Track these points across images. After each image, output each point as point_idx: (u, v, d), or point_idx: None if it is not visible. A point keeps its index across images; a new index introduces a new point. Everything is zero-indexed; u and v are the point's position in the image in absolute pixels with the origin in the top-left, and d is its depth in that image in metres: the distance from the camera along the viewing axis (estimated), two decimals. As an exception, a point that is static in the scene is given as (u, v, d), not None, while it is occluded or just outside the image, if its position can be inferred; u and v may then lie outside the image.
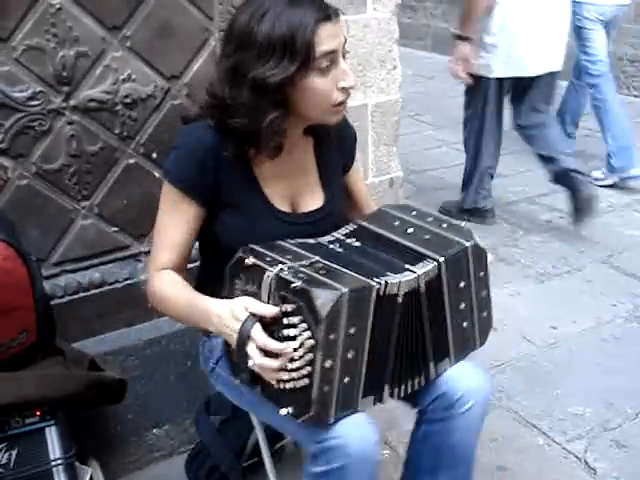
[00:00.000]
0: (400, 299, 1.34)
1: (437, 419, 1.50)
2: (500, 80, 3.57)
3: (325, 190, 1.60)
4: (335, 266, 1.33)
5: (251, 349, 1.27)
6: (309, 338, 1.23)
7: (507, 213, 3.98)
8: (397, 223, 1.51)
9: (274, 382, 1.29)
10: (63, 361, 1.74)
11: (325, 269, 1.31)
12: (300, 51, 1.35)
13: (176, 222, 1.49)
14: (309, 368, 1.25)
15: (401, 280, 1.33)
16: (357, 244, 1.47)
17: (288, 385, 1.27)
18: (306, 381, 1.26)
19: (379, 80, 2.46)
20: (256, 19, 1.36)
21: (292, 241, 1.44)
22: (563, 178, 3.67)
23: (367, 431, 1.35)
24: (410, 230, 1.48)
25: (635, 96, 6.33)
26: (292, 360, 1.25)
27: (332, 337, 1.23)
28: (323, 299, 1.22)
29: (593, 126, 4.76)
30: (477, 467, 1.84)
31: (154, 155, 2.03)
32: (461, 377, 1.48)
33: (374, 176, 2.53)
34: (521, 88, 3.65)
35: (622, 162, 4.26)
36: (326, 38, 1.37)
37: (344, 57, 1.44)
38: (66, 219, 1.95)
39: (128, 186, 2.01)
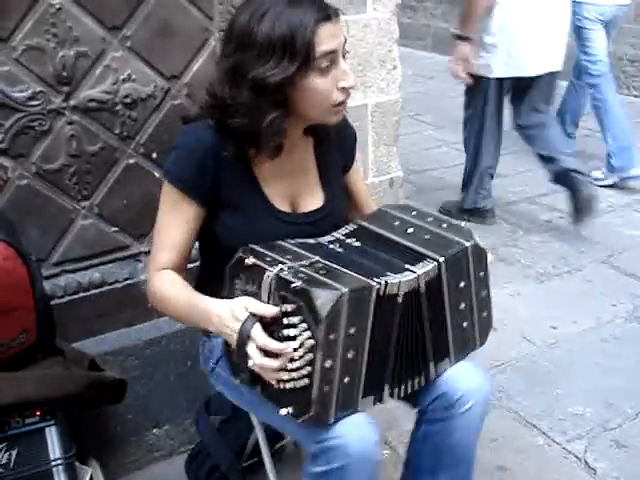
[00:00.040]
0: (400, 299, 1.34)
1: (437, 419, 1.50)
2: (500, 80, 3.57)
3: (325, 190, 1.60)
4: (335, 266, 1.33)
5: (251, 349, 1.27)
6: (309, 338, 1.23)
7: (507, 213, 3.98)
8: (397, 223, 1.51)
9: (274, 382, 1.29)
10: (63, 361, 1.74)
11: (325, 269, 1.30)
12: (300, 51, 1.34)
13: (176, 222, 1.49)
14: (309, 368, 1.24)
15: (401, 280, 1.33)
16: (357, 244, 1.47)
17: (288, 385, 1.27)
18: (306, 381, 1.25)
19: (379, 80, 2.46)
20: (256, 19, 1.36)
21: (292, 241, 1.44)
22: (563, 178, 3.67)
23: (367, 431, 1.35)
24: (410, 230, 1.48)
25: (635, 96, 6.33)
26: (292, 360, 1.24)
27: (332, 337, 1.23)
28: (323, 299, 1.21)
29: (593, 126, 4.76)
30: (477, 467, 1.84)
31: (154, 155, 2.03)
32: (461, 377, 1.48)
33: (374, 176, 2.53)
34: (521, 88, 3.66)
35: (622, 162, 4.26)
36: (326, 38, 1.37)
37: (344, 57, 1.44)
38: (66, 219, 1.95)
39: (128, 186, 2.01)
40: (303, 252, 1.38)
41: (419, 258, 1.39)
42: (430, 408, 1.51)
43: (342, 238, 1.49)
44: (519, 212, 4.00)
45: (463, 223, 1.53)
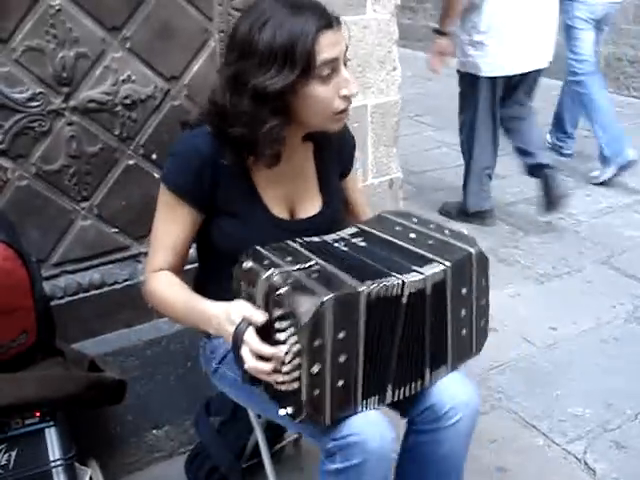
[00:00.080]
0: (405, 299, 1.33)
1: (425, 430, 1.49)
2: (492, 79, 3.57)
3: (323, 196, 1.61)
4: (332, 269, 1.33)
5: (244, 352, 1.28)
6: (296, 343, 1.24)
7: (506, 214, 3.98)
8: (399, 228, 1.51)
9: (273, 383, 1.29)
10: (63, 362, 1.74)
11: (319, 272, 1.31)
12: (301, 59, 1.35)
13: (172, 225, 1.50)
14: (297, 373, 1.25)
15: (408, 280, 1.32)
16: (363, 244, 1.47)
17: (282, 387, 1.28)
18: (295, 385, 1.26)
19: (379, 81, 2.46)
20: (257, 27, 1.36)
21: (300, 240, 1.45)
22: (537, 172, 3.75)
23: (384, 428, 1.36)
24: (412, 235, 1.47)
25: (635, 97, 6.33)
26: (283, 363, 1.25)
27: (317, 343, 1.24)
28: (305, 306, 1.22)
29: (593, 127, 4.76)
30: (477, 468, 1.85)
31: (154, 156, 2.03)
32: (450, 389, 1.47)
33: (373, 177, 2.53)
34: (511, 86, 3.67)
35: (614, 150, 4.26)
36: (327, 46, 1.37)
37: (345, 65, 1.44)
38: (66, 220, 1.95)
39: (128, 187, 2.01)
40: (306, 253, 1.39)
41: (426, 261, 1.39)
42: (419, 419, 1.50)
43: (347, 237, 1.49)
44: (518, 213, 4.00)
45: (466, 231, 1.52)
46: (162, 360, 2.09)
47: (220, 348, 1.58)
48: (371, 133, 2.49)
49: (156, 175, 2.02)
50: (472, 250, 1.42)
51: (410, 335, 1.37)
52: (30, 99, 1.81)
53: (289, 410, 1.29)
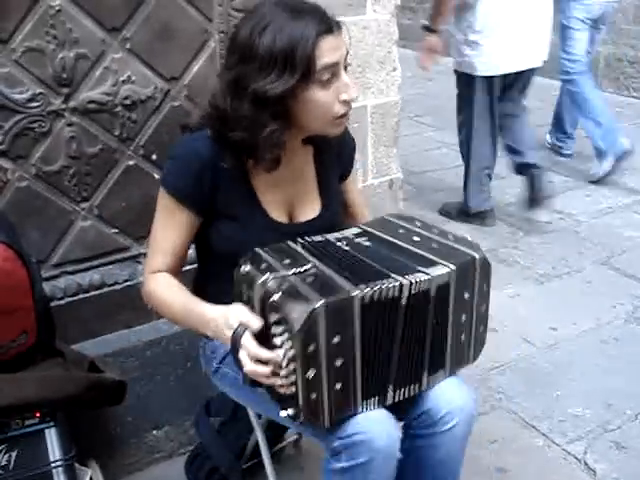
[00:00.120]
0: (404, 301, 1.33)
1: (421, 435, 1.49)
2: (488, 79, 3.57)
3: (323, 199, 1.61)
4: (329, 272, 1.33)
5: (242, 356, 1.29)
6: (291, 348, 1.24)
7: (506, 214, 3.98)
8: (402, 231, 1.51)
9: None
10: (63, 362, 1.74)
11: (315, 276, 1.31)
12: (301, 64, 1.35)
13: (171, 228, 1.50)
14: (294, 377, 1.26)
15: (415, 280, 1.32)
16: (367, 243, 1.47)
17: (281, 390, 1.29)
18: (293, 389, 1.27)
19: (379, 81, 2.46)
20: (258, 32, 1.36)
21: (301, 240, 1.45)
22: (525, 171, 3.79)
23: (390, 426, 1.37)
24: (416, 238, 1.47)
25: (635, 97, 6.33)
26: (281, 367, 1.26)
27: (311, 349, 1.24)
28: (297, 313, 1.22)
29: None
30: (477, 468, 1.85)
31: (154, 157, 2.03)
32: (446, 394, 1.47)
33: (373, 177, 2.53)
34: (506, 84, 3.67)
35: (609, 142, 4.28)
36: (327, 51, 1.37)
37: (346, 69, 1.44)
38: (66, 220, 1.95)
39: (128, 188, 2.01)
40: (305, 255, 1.39)
41: (431, 263, 1.38)
42: (414, 424, 1.50)
43: (351, 237, 1.49)
44: (518, 213, 3.99)
45: (469, 236, 1.51)
46: (162, 361, 2.09)
47: (220, 348, 1.58)
48: (371, 133, 2.49)
49: (156, 176, 2.02)
50: (476, 255, 1.42)
51: (410, 337, 1.37)
52: (30, 100, 1.81)
53: (290, 412, 1.29)
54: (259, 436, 1.72)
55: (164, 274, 1.52)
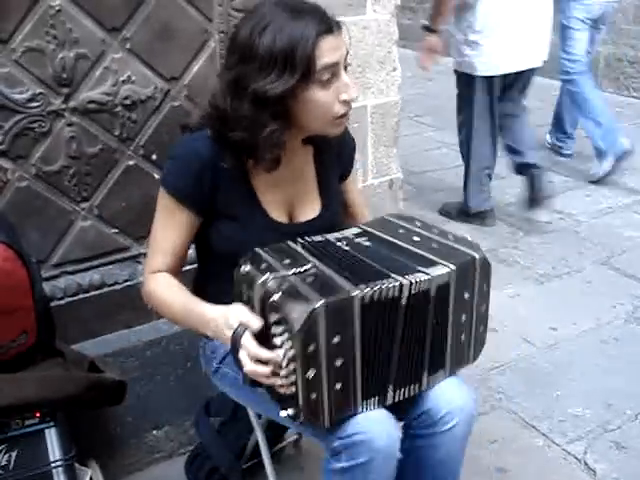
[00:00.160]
0: (404, 301, 1.32)
1: (421, 435, 1.49)
2: (487, 79, 3.58)
3: (323, 199, 1.61)
4: (329, 272, 1.32)
5: (242, 356, 1.30)
6: (291, 348, 1.24)
7: (506, 214, 3.98)
8: (402, 231, 1.51)
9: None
10: (63, 362, 1.74)
11: (315, 276, 1.31)
12: (301, 64, 1.35)
13: (171, 228, 1.51)
14: (294, 377, 1.26)
15: (415, 280, 1.32)
16: (367, 243, 1.47)
17: (282, 390, 1.29)
18: (293, 389, 1.27)
19: (379, 81, 2.46)
20: (258, 32, 1.36)
21: (301, 240, 1.45)
22: (525, 171, 3.80)
23: (390, 426, 1.37)
24: (416, 238, 1.47)
25: (635, 97, 6.33)
26: (281, 367, 1.26)
27: (311, 349, 1.24)
28: (297, 313, 1.22)
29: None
30: (477, 468, 1.85)
31: (154, 157, 2.03)
32: (446, 394, 1.47)
33: (373, 177, 2.53)
34: (506, 84, 3.67)
35: (609, 142, 4.28)
36: (327, 51, 1.37)
37: (346, 69, 1.44)
38: (66, 221, 1.95)
39: (128, 187, 2.01)
40: (305, 255, 1.39)
41: (431, 263, 1.38)
42: (414, 424, 1.50)
43: (351, 237, 1.49)
44: (518, 213, 4.00)
45: (469, 236, 1.51)
46: (162, 361, 2.09)
47: (220, 348, 1.58)
48: (371, 133, 2.49)
49: (156, 176, 2.02)
50: (476, 255, 1.42)
51: (410, 337, 1.37)
52: (30, 100, 1.81)
53: (290, 412, 1.29)
54: (259, 436, 1.72)
55: (164, 274, 1.52)
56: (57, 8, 1.79)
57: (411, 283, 1.32)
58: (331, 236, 1.49)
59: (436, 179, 4.56)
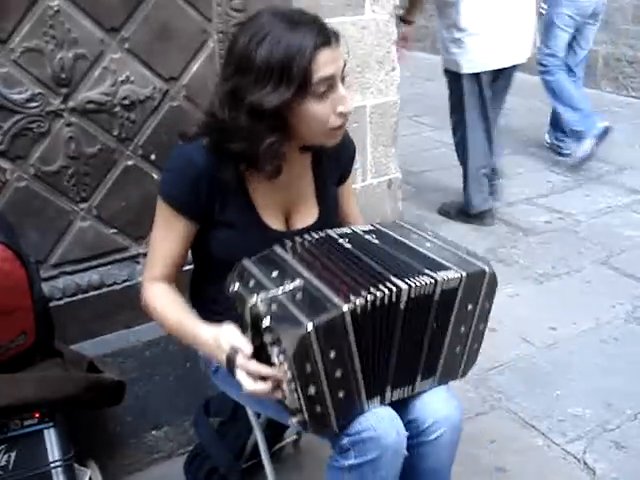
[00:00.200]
0: (402, 305, 1.31)
1: (408, 445, 1.47)
2: (474, 76, 3.58)
3: (320, 205, 1.61)
4: (318, 285, 1.30)
5: (241, 376, 1.30)
6: (288, 369, 1.24)
7: (506, 214, 3.98)
8: (415, 236, 1.50)
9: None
10: (62, 363, 1.74)
11: (304, 291, 1.29)
12: (297, 77, 1.34)
13: (169, 237, 1.51)
14: (295, 395, 1.26)
15: (418, 284, 1.30)
16: (375, 241, 1.45)
17: (286, 402, 1.29)
18: (297, 405, 1.27)
19: (377, 81, 2.46)
20: (255, 43, 1.35)
21: (294, 243, 1.44)
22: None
23: (398, 423, 1.38)
24: (429, 244, 1.46)
25: (634, 97, 6.34)
26: (282, 382, 1.26)
27: (309, 369, 1.23)
28: (289, 339, 1.21)
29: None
30: (476, 468, 1.85)
31: (152, 157, 2.03)
32: (432, 404, 1.47)
33: (372, 177, 2.53)
34: (492, 80, 3.68)
35: (587, 125, 4.37)
36: (324, 64, 1.36)
37: (343, 81, 1.43)
38: (65, 221, 1.95)
39: (126, 188, 2.01)
40: (295, 264, 1.37)
41: (442, 267, 1.36)
42: None
43: (360, 233, 1.48)
44: (518, 213, 4.00)
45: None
46: (161, 361, 2.08)
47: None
48: (370, 133, 2.49)
49: (155, 176, 2.02)
50: (487, 269, 1.41)
51: (409, 339, 1.37)
52: (29, 100, 1.81)
53: (299, 420, 1.29)
54: (258, 436, 1.72)
55: (162, 287, 1.53)
56: (56, 8, 1.79)
57: (410, 287, 1.30)
58: (334, 232, 1.48)
59: (435, 179, 4.56)
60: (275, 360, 1.26)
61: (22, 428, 1.64)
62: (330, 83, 1.38)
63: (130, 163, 2.00)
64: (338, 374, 1.27)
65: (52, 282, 1.95)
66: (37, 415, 1.65)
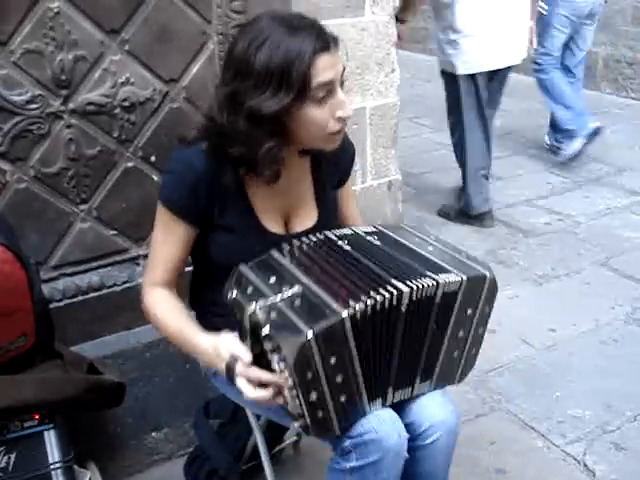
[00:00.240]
0: (404, 308, 1.31)
1: None
2: (470, 77, 3.59)
3: (319, 208, 1.61)
4: (316, 290, 1.29)
5: (241, 384, 1.30)
6: (289, 376, 1.24)
7: (505, 216, 3.98)
8: (417, 240, 1.50)
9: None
10: (62, 364, 1.74)
11: (302, 297, 1.28)
12: (296, 82, 1.33)
13: (169, 241, 1.51)
14: (297, 401, 1.26)
15: (419, 286, 1.30)
16: (377, 243, 1.45)
17: (288, 407, 1.29)
18: (299, 411, 1.27)
19: (377, 83, 2.46)
20: (254, 47, 1.34)
21: (292, 246, 1.44)
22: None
23: (399, 425, 1.38)
24: (430, 248, 1.46)
25: (633, 98, 6.34)
26: (284, 388, 1.26)
27: (309, 376, 1.23)
28: (288, 347, 1.21)
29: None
30: (476, 469, 1.84)
31: (152, 158, 2.03)
32: (428, 408, 1.47)
33: (372, 179, 2.53)
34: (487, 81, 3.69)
35: (579, 124, 4.41)
36: (323, 69, 1.35)
37: (342, 86, 1.43)
38: (65, 222, 1.95)
39: (126, 189, 2.01)
40: (292, 269, 1.36)
41: (442, 270, 1.37)
42: None
43: (362, 234, 1.48)
44: (517, 215, 4.00)
45: (479, 257, 1.51)
46: (161, 362, 2.08)
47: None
48: (370, 135, 2.49)
49: (155, 177, 2.03)
50: (487, 274, 1.41)
51: (411, 340, 1.37)
52: (29, 102, 1.81)
53: (301, 424, 1.29)
54: (258, 437, 1.72)
55: (162, 293, 1.53)
56: (56, 10, 1.79)
57: (412, 290, 1.30)
58: (333, 233, 1.48)
59: (435, 180, 4.56)
60: (276, 367, 1.26)
61: (22, 430, 1.64)
62: (329, 88, 1.38)
63: (130, 165, 2.00)
64: (339, 379, 1.27)
65: (52, 284, 1.95)
66: (37, 417, 1.65)
